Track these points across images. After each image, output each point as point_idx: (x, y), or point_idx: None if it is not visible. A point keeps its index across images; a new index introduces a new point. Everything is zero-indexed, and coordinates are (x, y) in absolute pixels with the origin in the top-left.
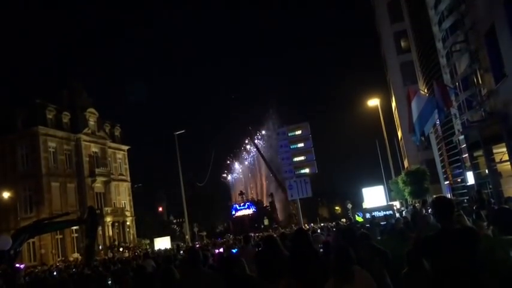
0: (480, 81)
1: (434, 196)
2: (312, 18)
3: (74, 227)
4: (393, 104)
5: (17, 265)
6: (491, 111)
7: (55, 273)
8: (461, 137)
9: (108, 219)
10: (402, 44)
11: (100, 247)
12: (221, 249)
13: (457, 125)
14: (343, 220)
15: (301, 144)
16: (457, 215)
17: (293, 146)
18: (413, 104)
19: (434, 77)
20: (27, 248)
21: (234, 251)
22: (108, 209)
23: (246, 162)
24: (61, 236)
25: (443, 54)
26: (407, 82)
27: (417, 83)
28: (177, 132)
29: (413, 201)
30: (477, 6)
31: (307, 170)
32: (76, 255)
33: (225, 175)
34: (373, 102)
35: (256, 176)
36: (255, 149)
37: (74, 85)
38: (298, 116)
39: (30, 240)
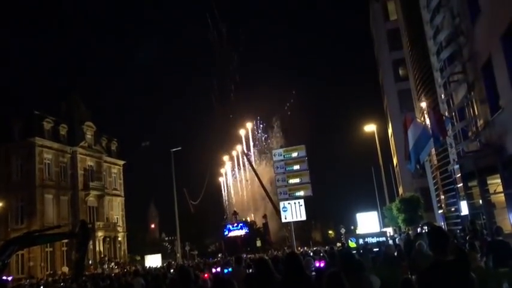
0: (476, 112)
1: (430, 226)
2: (312, 40)
3: (65, 241)
4: (390, 131)
5: (4, 277)
6: (486, 142)
7: (42, 287)
8: (456, 166)
9: (100, 233)
10: (400, 72)
11: (90, 262)
12: (218, 269)
13: (453, 154)
14: (338, 245)
15: (296, 167)
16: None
17: (289, 168)
18: (410, 132)
19: (431, 106)
20: (15, 260)
21: (229, 269)
22: (100, 224)
23: (243, 181)
24: (51, 249)
25: (441, 84)
26: (404, 109)
27: (414, 110)
28: (174, 149)
29: (406, 229)
30: (475, 39)
31: (301, 193)
32: (65, 269)
33: (220, 192)
34: (370, 127)
35: (251, 195)
36: (251, 168)
37: (73, 98)
38: (294, 138)
39: (19, 252)
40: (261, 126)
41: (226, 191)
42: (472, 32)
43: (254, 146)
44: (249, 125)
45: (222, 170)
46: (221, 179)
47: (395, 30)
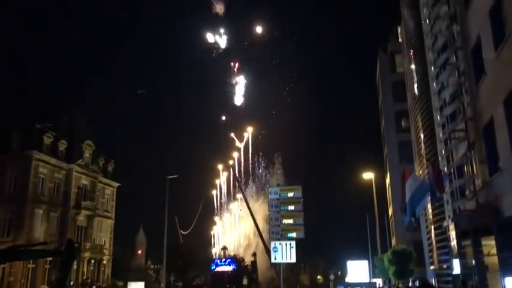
0: (475, 171)
1: (421, 282)
2: (318, 84)
3: (49, 258)
4: (387, 180)
5: None
6: (483, 202)
7: None
8: (451, 223)
9: (86, 254)
10: (403, 123)
11: (72, 283)
12: None
13: (449, 211)
14: None
15: (291, 207)
16: None
17: (283, 208)
18: (407, 185)
19: (431, 160)
20: None
21: None
22: (87, 244)
23: (236, 216)
24: (33, 266)
25: (442, 139)
26: (404, 161)
27: (413, 163)
28: (170, 177)
29: (396, 282)
30: (479, 99)
31: (294, 234)
32: (45, 287)
33: (212, 226)
34: (368, 175)
35: (244, 231)
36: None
37: (76, 115)
38: (294, 177)
39: (0, 266)
40: (263, 163)
41: (218, 215)
42: (476, 92)
43: (253, 181)
44: (250, 129)
45: (217, 181)
46: (214, 192)
47: (401, 82)
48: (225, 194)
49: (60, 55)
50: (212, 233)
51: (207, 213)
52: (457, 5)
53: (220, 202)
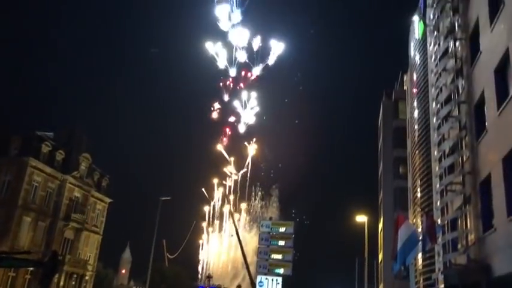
0: (469, 226)
1: None
2: (320, 124)
3: (30, 268)
4: (380, 225)
5: None
6: (474, 258)
7: None
8: (441, 276)
9: (68, 268)
10: (400, 169)
11: None
12: None
13: (439, 263)
14: None
15: (281, 242)
16: None
17: (273, 242)
18: (400, 232)
19: (425, 210)
20: None
21: None
22: (71, 258)
23: (225, 243)
24: (14, 274)
25: (438, 190)
26: (398, 207)
27: (408, 210)
28: (163, 198)
29: None
30: (478, 154)
31: (281, 270)
32: None
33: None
34: (361, 218)
35: (233, 260)
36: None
37: (76, 126)
38: (286, 213)
39: None
40: (259, 193)
41: (206, 245)
42: (476, 147)
43: (247, 212)
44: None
45: (212, 202)
46: (207, 208)
47: (402, 128)
48: (218, 214)
49: (65, 66)
50: (201, 241)
51: (196, 238)
52: (463, 60)
53: (212, 225)
